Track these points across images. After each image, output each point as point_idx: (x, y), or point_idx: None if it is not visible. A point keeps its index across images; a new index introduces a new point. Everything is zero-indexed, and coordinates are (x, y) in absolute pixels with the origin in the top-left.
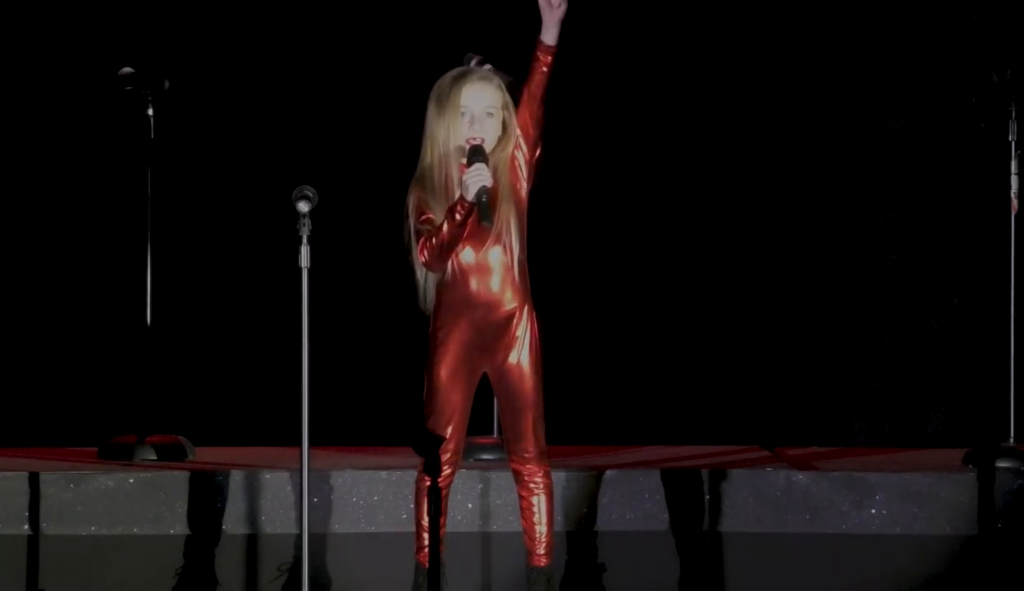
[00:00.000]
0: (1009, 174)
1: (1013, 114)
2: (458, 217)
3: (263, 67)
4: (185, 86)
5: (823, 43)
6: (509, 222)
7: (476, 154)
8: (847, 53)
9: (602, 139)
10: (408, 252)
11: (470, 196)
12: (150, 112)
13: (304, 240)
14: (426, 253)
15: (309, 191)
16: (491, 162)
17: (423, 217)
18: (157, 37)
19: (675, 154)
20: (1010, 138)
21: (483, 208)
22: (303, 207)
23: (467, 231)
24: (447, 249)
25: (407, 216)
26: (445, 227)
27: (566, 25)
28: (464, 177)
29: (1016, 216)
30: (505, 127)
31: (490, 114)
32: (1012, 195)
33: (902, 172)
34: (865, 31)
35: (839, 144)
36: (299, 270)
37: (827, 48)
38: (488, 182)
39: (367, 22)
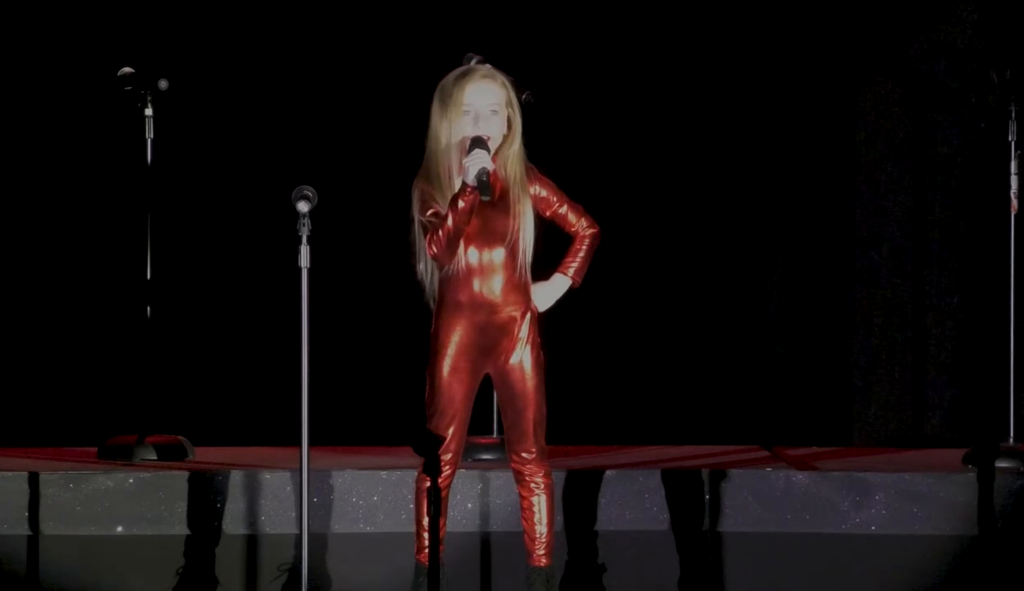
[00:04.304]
0: (1009, 174)
1: (1013, 114)
2: (461, 204)
3: (263, 67)
4: (184, 86)
5: (821, 43)
6: (522, 223)
7: (476, 144)
8: (846, 53)
9: (605, 139)
10: (412, 252)
11: (469, 178)
12: (149, 112)
13: (304, 240)
14: (434, 246)
15: (309, 191)
16: (499, 158)
17: (429, 211)
18: (156, 37)
19: (676, 154)
20: (1010, 138)
21: (483, 186)
22: (303, 207)
23: (475, 223)
24: (454, 239)
25: (412, 214)
26: (450, 217)
27: (563, 29)
28: (464, 161)
29: (1016, 216)
30: (510, 124)
31: (494, 111)
32: (1012, 195)
33: (902, 172)
34: (865, 30)
35: (839, 144)
36: (299, 270)
37: (825, 48)
38: (488, 165)
39: (367, 22)
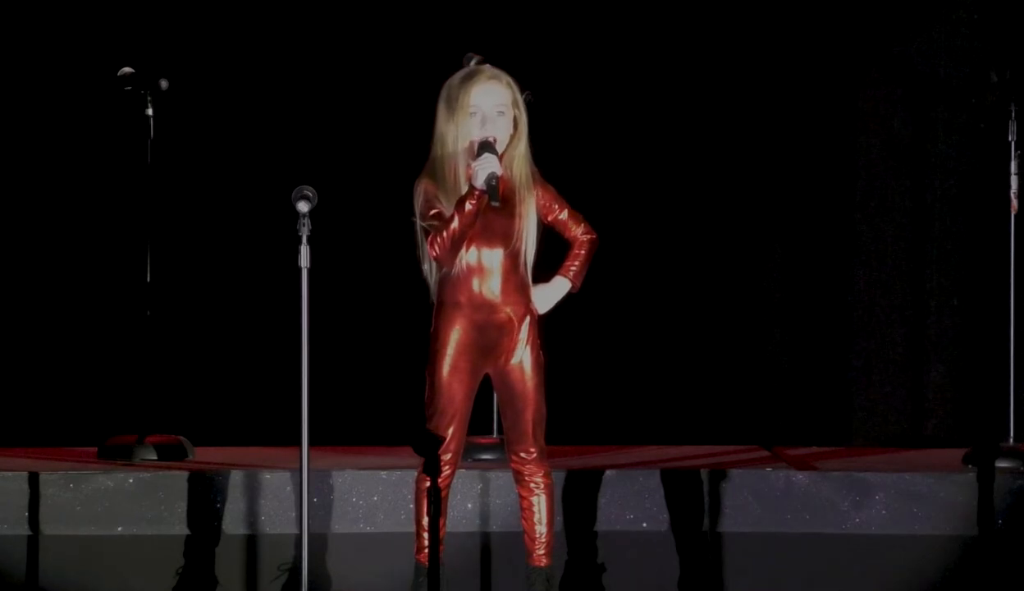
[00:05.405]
0: (1009, 174)
1: (1013, 114)
2: (468, 206)
3: (263, 67)
4: (185, 86)
5: (822, 42)
6: (526, 225)
7: (485, 148)
8: (846, 53)
9: (604, 139)
10: (417, 251)
11: (479, 182)
12: (149, 112)
13: (304, 240)
14: (436, 247)
15: (309, 191)
16: (505, 159)
17: (433, 212)
18: (157, 37)
19: (676, 155)
20: (1010, 138)
21: (492, 191)
22: (303, 207)
23: (477, 223)
24: (458, 241)
25: (415, 213)
26: (456, 220)
27: (563, 29)
28: (473, 165)
29: (1016, 216)
30: (516, 125)
31: (501, 112)
32: (1012, 195)
33: (902, 172)
34: (865, 30)
35: (838, 144)
36: (299, 270)
37: (825, 47)
38: (497, 170)
39: (367, 22)
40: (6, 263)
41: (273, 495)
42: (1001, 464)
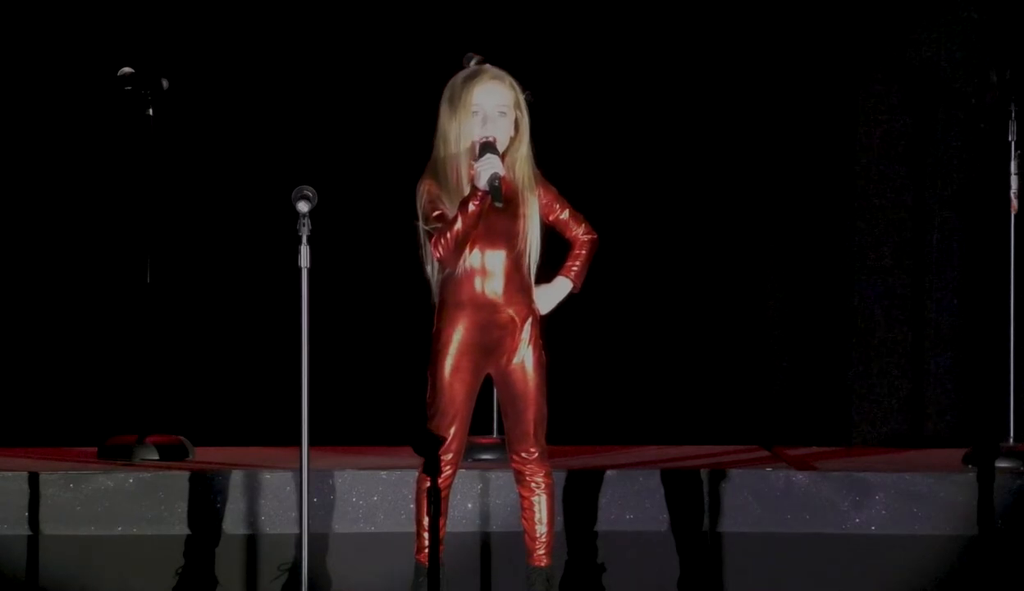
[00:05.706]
0: (1009, 174)
1: (1013, 114)
2: (471, 207)
3: (263, 67)
4: (185, 86)
5: (822, 43)
6: (529, 226)
7: (487, 148)
8: (846, 53)
9: (604, 139)
10: (420, 251)
11: (481, 183)
12: (150, 112)
13: (304, 240)
14: (440, 249)
15: (309, 191)
16: (507, 160)
17: (436, 213)
18: (157, 37)
19: (676, 155)
20: (1010, 138)
21: (496, 192)
22: (303, 207)
23: (480, 224)
24: (461, 242)
25: (419, 213)
26: (459, 221)
27: (564, 29)
28: (476, 166)
29: (1016, 216)
30: (517, 126)
31: (502, 113)
32: (1012, 195)
33: (902, 172)
34: (865, 30)
35: (839, 145)
36: (299, 270)
37: (825, 48)
38: (500, 170)
39: (367, 22)
40: (6, 263)
41: (273, 495)
42: (1001, 464)
